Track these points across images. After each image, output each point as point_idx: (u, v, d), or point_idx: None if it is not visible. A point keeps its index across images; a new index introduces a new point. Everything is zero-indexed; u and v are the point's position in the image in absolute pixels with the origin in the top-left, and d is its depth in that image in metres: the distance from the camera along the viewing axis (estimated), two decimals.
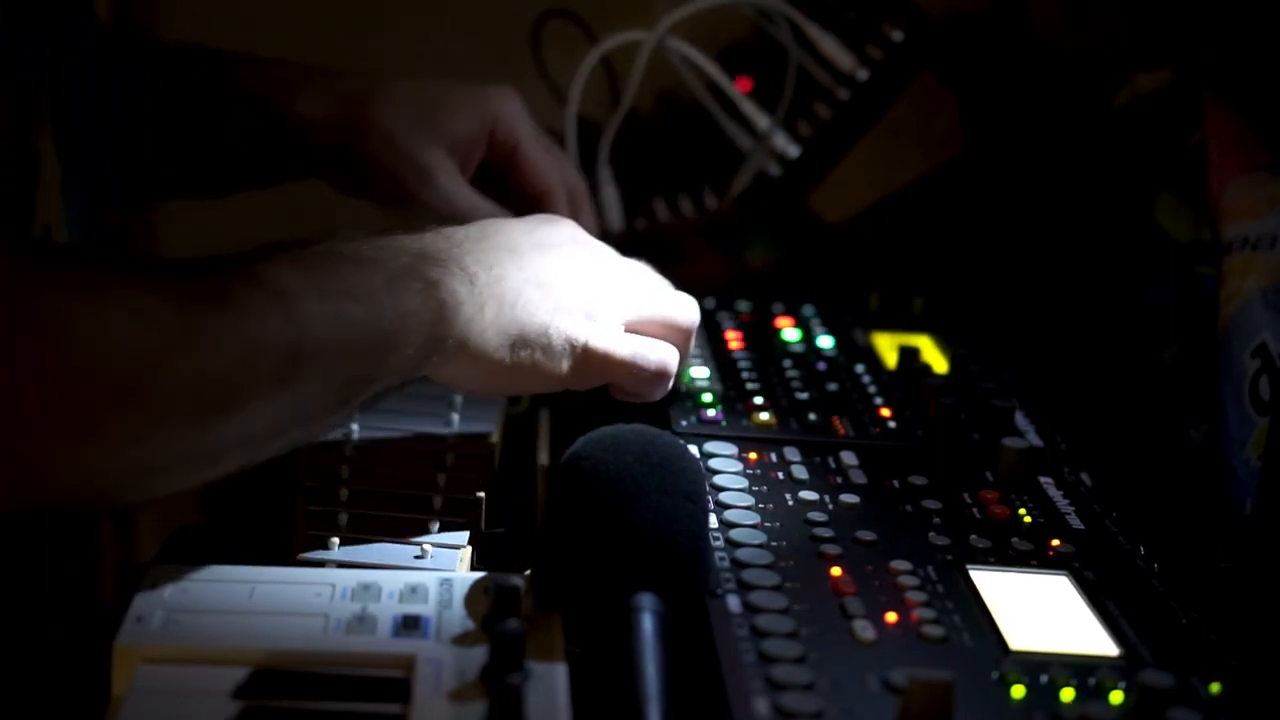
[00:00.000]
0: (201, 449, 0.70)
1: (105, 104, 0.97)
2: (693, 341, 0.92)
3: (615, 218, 1.26)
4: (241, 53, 1.10)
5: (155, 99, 1.08)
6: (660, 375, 0.87)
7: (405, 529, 0.84)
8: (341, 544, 0.81)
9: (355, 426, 0.95)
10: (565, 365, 0.84)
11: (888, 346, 1.14)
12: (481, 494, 0.87)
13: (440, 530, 0.84)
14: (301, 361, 0.71)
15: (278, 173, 1.12)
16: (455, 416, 0.98)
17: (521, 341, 0.82)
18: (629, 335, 0.87)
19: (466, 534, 0.84)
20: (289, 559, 0.81)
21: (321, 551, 0.81)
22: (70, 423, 0.65)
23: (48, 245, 0.74)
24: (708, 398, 0.99)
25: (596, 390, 0.90)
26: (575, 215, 1.07)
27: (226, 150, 1.09)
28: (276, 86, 1.06)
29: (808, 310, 1.20)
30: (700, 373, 1.03)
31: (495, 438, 0.96)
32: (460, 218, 0.97)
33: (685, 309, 0.91)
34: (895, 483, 0.90)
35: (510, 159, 1.07)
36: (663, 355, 0.87)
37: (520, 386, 0.86)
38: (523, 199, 1.07)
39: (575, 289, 0.85)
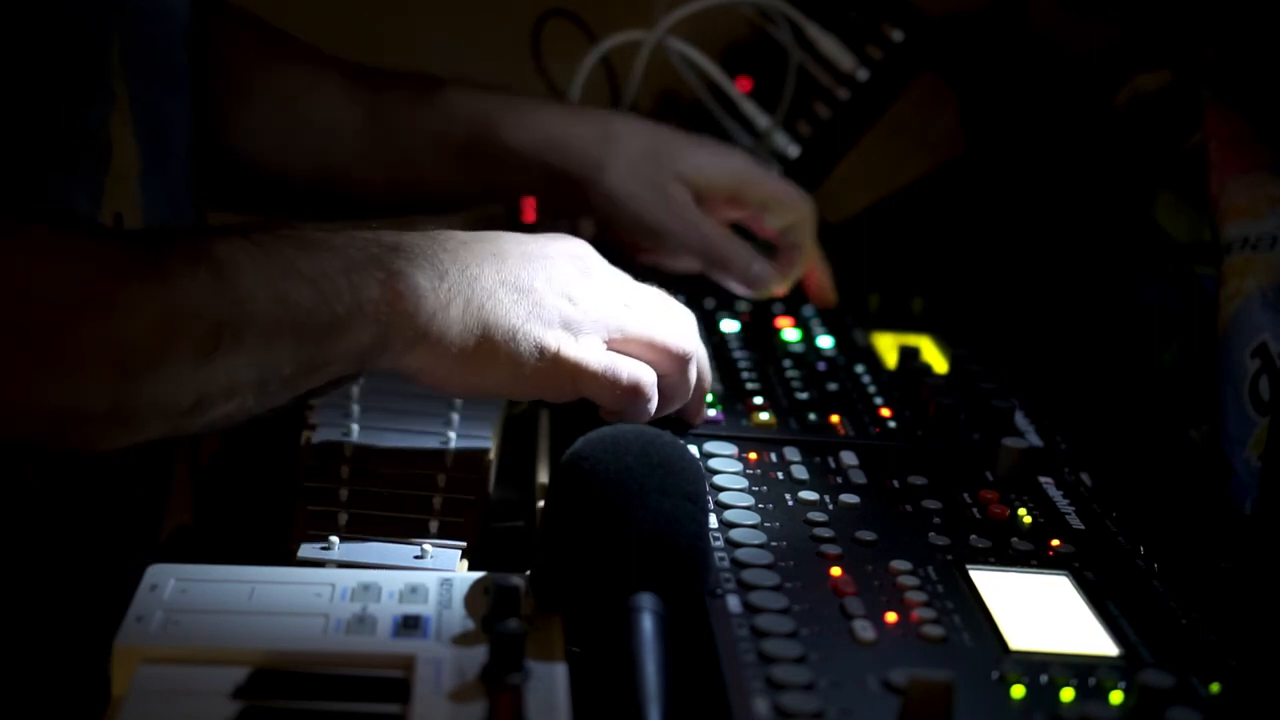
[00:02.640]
0: (117, 409, 0.72)
1: (187, 106, 0.98)
2: (693, 368, 0.90)
3: None
4: (439, 77, 1.15)
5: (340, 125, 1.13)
6: (633, 391, 0.85)
7: (404, 532, 0.84)
8: (341, 543, 0.81)
9: (355, 427, 0.95)
10: (533, 371, 0.83)
11: (888, 346, 1.14)
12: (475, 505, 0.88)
13: (439, 533, 0.85)
14: (228, 334, 0.73)
15: (477, 196, 1.17)
16: (455, 416, 0.98)
17: (487, 342, 0.81)
18: (606, 351, 0.85)
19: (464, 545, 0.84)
20: (289, 559, 0.81)
21: (322, 551, 0.81)
22: None
23: (17, 205, 0.76)
24: (708, 398, 0.99)
25: None
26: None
27: (428, 178, 1.14)
28: (493, 115, 1.12)
29: (808, 310, 1.20)
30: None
31: (492, 455, 0.96)
32: (702, 246, 1.12)
33: (676, 333, 0.89)
34: (895, 483, 0.90)
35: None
36: (636, 372, 0.85)
37: (488, 388, 0.84)
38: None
39: (555, 298, 0.84)
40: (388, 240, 0.81)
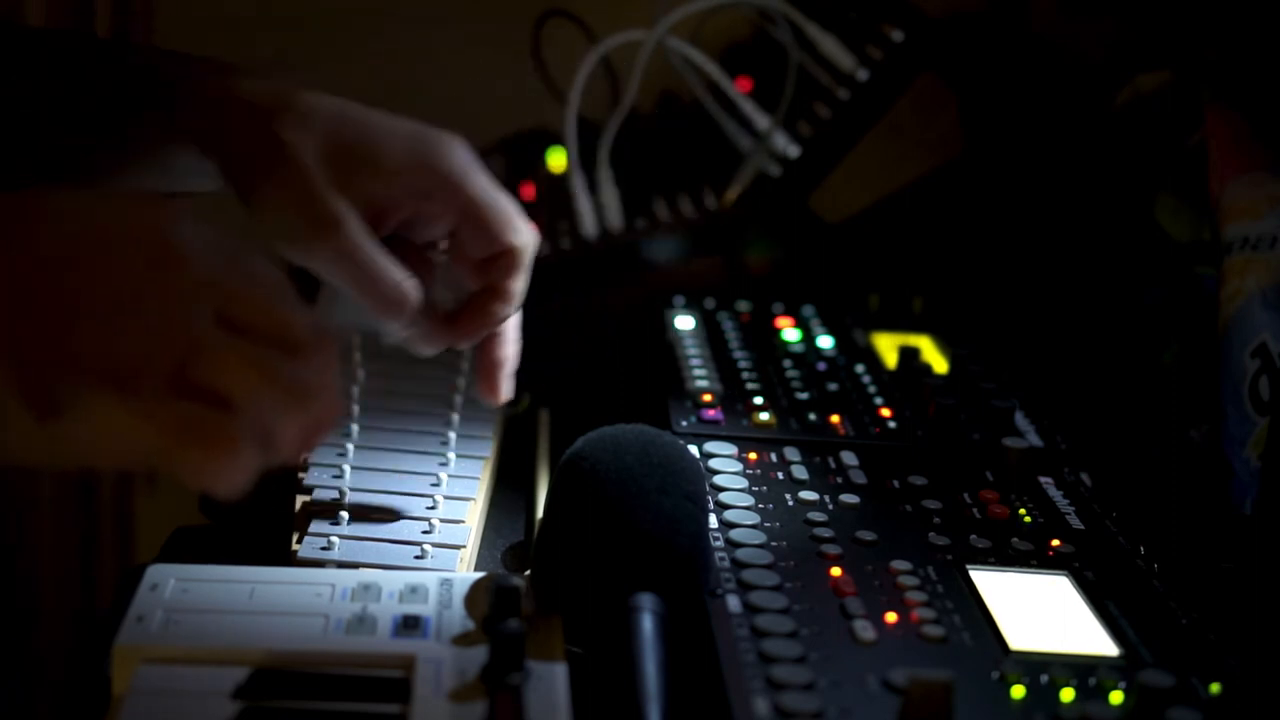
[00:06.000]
0: None
1: None
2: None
3: (615, 218, 1.26)
4: (139, 44, 1.03)
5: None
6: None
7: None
8: (341, 542, 0.81)
9: (355, 427, 0.95)
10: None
11: (888, 346, 1.14)
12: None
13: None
14: None
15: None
16: (455, 416, 0.98)
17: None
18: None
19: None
20: (289, 559, 0.81)
21: (322, 552, 0.81)
22: None
23: None
24: (708, 398, 0.99)
25: (596, 390, 0.89)
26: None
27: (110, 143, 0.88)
28: (182, 84, 0.83)
29: (808, 310, 1.20)
30: (700, 372, 1.03)
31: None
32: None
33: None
34: (895, 483, 0.90)
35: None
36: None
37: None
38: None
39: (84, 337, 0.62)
40: None
